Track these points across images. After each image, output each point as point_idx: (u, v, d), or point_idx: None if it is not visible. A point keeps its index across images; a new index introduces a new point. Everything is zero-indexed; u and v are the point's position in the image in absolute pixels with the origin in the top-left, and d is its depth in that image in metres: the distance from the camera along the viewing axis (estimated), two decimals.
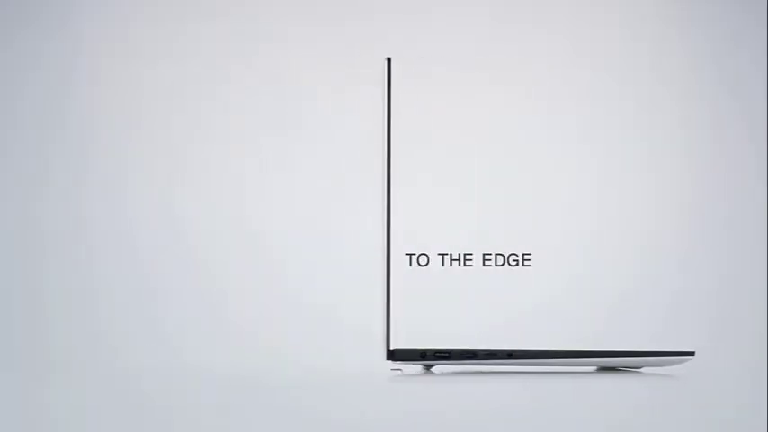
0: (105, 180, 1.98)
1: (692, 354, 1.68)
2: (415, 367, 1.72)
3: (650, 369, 1.71)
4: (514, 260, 1.96)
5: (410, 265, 1.92)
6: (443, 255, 1.95)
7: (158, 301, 1.95)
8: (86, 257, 1.96)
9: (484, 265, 1.95)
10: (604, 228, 1.97)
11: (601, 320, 1.92)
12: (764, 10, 2.02)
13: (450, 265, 1.95)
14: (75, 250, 1.96)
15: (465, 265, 1.95)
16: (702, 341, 1.91)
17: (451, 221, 1.97)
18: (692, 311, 1.94)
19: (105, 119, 1.99)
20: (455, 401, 1.31)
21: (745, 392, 1.44)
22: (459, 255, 1.95)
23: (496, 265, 1.95)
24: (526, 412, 1.18)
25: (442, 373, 1.71)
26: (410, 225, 1.75)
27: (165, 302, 1.95)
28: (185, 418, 1.17)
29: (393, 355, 1.69)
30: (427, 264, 1.93)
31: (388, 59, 1.54)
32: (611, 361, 1.70)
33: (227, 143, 1.99)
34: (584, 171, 2.00)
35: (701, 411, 1.17)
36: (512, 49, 2.01)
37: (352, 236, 1.95)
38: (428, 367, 1.72)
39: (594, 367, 1.74)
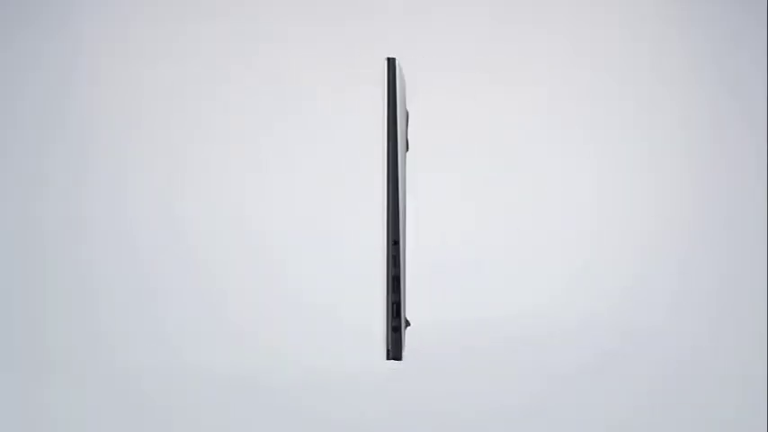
0: (105, 180, 1.98)
1: None
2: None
3: None
4: (515, 260, 1.96)
5: (410, 264, 1.92)
6: (444, 255, 1.95)
7: (158, 301, 1.95)
8: (86, 257, 1.96)
9: (484, 264, 1.95)
10: (604, 228, 1.97)
11: (601, 321, 1.92)
12: (764, 10, 2.02)
13: (451, 264, 1.95)
14: (75, 250, 1.96)
15: (465, 265, 1.95)
16: (702, 341, 1.91)
17: (451, 221, 1.97)
18: (692, 311, 1.94)
19: (105, 119, 1.99)
20: (455, 401, 1.31)
21: (745, 392, 1.44)
22: (460, 255, 1.96)
23: (496, 265, 1.96)
24: (526, 412, 1.18)
25: (443, 373, 1.71)
26: (410, 225, 1.75)
27: (165, 302, 1.95)
28: (185, 418, 1.17)
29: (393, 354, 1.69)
30: (427, 264, 1.93)
31: (389, 59, 1.54)
32: None
33: (227, 143, 1.99)
34: (584, 171, 2.00)
35: (700, 411, 1.17)
36: (512, 49, 2.01)
37: (352, 236, 1.95)
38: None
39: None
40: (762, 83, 2.00)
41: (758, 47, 2.01)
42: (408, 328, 1.61)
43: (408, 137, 1.58)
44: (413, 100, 1.59)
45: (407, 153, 1.59)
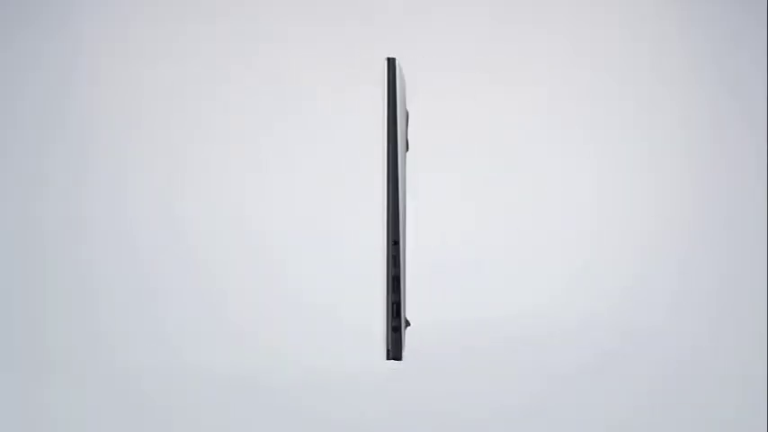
0: (105, 180, 1.98)
1: None
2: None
3: None
4: (515, 260, 1.96)
5: (410, 264, 1.92)
6: (444, 255, 1.95)
7: (158, 301, 1.95)
8: (86, 257, 1.96)
9: (484, 264, 1.95)
10: (604, 228, 1.97)
11: (601, 321, 1.92)
12: (764, 10, 2.02)
13: (451, 264, 1.95)
14: (75, 250, 1.96)
15: (465, 265, 1.95)
16: (702, 341, 1.91)
17: (451, 221, 1.97)
18: (692, 311, 1.94)
19: (105, 119, 1.99)
20: (455, 401, 1.31)
21: (745, 392, 1.44)
22: (460, 255, 1.96)
23: (496, 265, 1.96)
24: (526, 412, 1.18)
25: (443, 373, 1.71)
26: (410, 225, 1.75)
27: (165, 302, 1.95)
28: (185, 418, 1.17)
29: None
30: (427, 264, 1.93)
31: (389, 59, 1.54)
32: None
33: (227, 143, 1.99)
34: (584, 171, 2.00)
35: (700, 411, 1.17)
36: (512, 49, 2.01)
37: (352, 236, 1.95)
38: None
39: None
40: (762, 83, 2.00)
41: (758, 47, 2.01)
42: (408, 328, 1.61)
43: (408, 137, 1.59)
44: (413, 100, 1.59)
45: (407, 153, 1.59)
